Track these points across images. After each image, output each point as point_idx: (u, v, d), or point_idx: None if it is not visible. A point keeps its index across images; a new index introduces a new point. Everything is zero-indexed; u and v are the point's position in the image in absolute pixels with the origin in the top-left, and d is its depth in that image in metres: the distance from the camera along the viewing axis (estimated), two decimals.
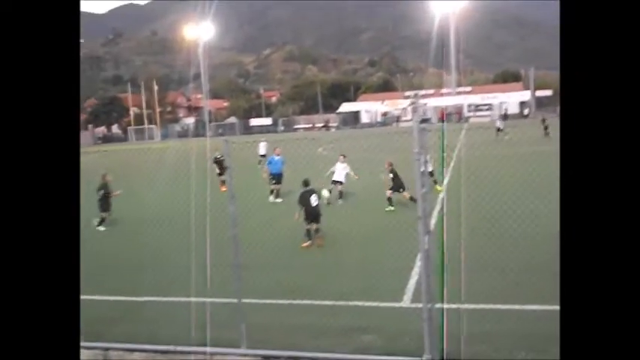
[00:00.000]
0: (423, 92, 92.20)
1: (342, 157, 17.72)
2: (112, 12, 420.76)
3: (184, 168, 18.29)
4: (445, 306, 6.42)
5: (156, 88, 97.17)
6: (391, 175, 15.36)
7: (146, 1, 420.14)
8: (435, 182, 15.93)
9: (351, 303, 8.16)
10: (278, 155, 19.19)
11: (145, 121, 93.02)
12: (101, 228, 15.56)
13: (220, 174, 19.36)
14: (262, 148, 29.16)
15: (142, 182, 20.99)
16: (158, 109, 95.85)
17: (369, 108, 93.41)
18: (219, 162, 20.33)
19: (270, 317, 7.93)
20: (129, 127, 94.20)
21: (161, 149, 37.35)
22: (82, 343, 7.34)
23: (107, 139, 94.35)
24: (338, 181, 17.41)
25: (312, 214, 12.08)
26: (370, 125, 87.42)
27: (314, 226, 12.13)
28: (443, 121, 66.17)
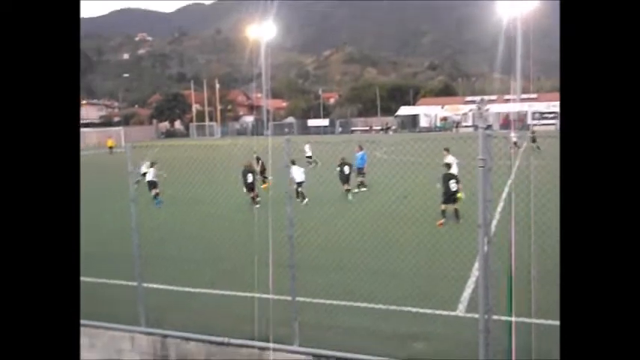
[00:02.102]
0: (486, 98, 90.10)
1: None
2: (179, 11, 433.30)
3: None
4: (513, 319, 6.24)
5: (217, 86, 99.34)
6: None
7: (211, 1, 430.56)
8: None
9: (405, 308, 8.10)
10: (360, 151, 21.51)
11: (206, 118, 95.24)
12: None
13: (261, 173, 20.79)
14: (308, 150, 30.97)
15: (203, 177, 21.47)
16: (219, 107, 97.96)
17: (428, 112, 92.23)
18: (257, 160, 21.84)
19: (323, 317, 7.96)
20: (191, 123, 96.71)
21: (221, 145, 38.08)
22: (142, 329, 7.64)
23: (170, 134, 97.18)
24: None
25: (448, 195, 14.08)
26: (428, 130, 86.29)
27: (450, 206, 14.18)
28: (506, 128, 64.44)
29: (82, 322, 8.03)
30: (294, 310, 6.83)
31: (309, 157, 29.57)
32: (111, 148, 55.45)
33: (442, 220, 13.94)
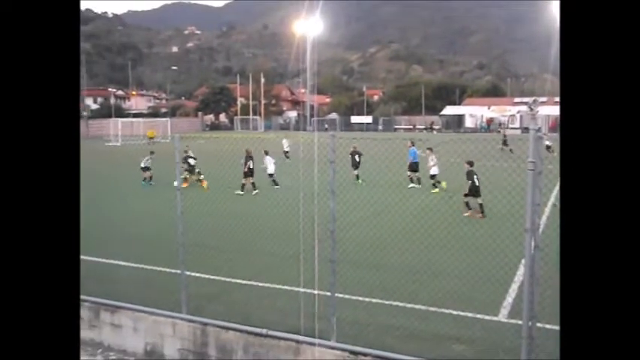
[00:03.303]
0: (537, 99, 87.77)
1: (428, 150, 21.11)
2: (228, 5, 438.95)
3: (294, 159, 19.20)
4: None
5: (263, 80, 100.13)
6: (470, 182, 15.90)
7: None
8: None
9: (445, 310, 8.00)
10: (412, 147, 22.50)
11: (251, 112, 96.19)
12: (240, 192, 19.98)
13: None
14: (285, 145, 33.93)
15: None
16: (263, 101, 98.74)
17: (473, 112, 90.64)
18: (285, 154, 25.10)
19: (361, 314, 7.95)
20: (235, 117, 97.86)
21: (266, 139, 38.49)
22: (183, 316, 7.80)
23: (214, 126, 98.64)
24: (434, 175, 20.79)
25: (474, 190, 15.54)
26: (474, 130, 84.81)
27: (478, 200, 15.54)
28: (555, 131, 62.74)
29: (127, 305, 8.28)
30: (332, 305, 6.84)
31: (286, 151, 32.87)
32: (151, 138, 56.70)
33: (469, 212, 15.72)
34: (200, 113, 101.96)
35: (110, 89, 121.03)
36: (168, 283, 9.14)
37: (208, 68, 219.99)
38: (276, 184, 21.64)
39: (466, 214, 15.72)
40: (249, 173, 20.61)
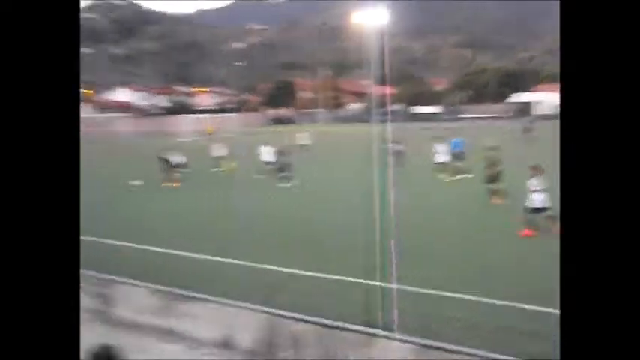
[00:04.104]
0: None
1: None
2: (291, 0, 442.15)
3: (365, 152, 19.36)
4: None
5: (326, 73, 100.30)
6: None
7: None
8: None
9: (517, 304, 7.83)
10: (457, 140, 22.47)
11: (314, 105, 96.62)
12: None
13: None
14: (304, 139, 34.24)
15: (319, 162, 21.99)
16: (327, 94, 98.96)
17: (543, 99, 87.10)
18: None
19: (430, 308, 7.90)
20: (298, 110, 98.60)
21: (330, 132, 38.77)
22: (254, 306, 8.02)
23: (279, 120, 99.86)
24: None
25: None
26: (544, 118, 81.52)
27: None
28: None
29: (200, 295, 8.60)
30: (397, 298, 6.86)
31: (303, 145, 32.51)
32: (210, 134, 57.90)
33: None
34: (264, 108, 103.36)
35: (178, 87, 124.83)
36: (234, 273, 9.41)
37: (272, 63, 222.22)
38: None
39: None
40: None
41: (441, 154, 21.46)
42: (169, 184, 22.58)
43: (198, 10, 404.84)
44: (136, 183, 21.98)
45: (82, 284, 9.97)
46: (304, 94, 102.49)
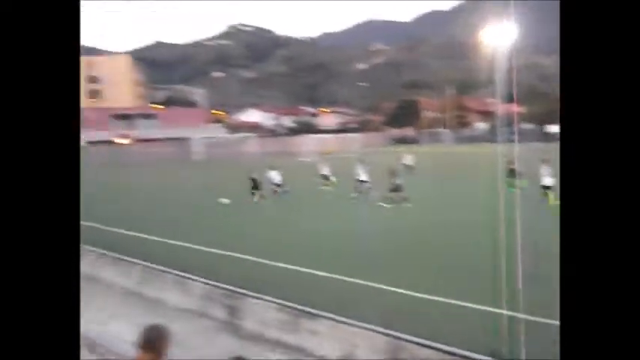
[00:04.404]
0: None
1: None
2: (418, 19, 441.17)
3: (491, 173, 18.74)
4: None
5: (451, 92, 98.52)
6: None
7: (450, 6, 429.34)
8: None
9: None
10: None
11: (438, 125, 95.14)
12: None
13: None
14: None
15: (447, 183, 21.55)
16: (452, 113, 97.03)
17: None
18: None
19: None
20: (422, 130, 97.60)
21: (456, 153, 37.94)
22: (378, 328, 7.89)
23: (401, 140, 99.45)
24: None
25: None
26: None
27: None
28: None
29: (324, 314, 8.64)
30: (524, 328, 6.40)
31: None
32: (328, 154, 58.67)
33: None
34: (387, 127, 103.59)
35: (304, 107, 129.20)
36: (359, 294, 9.34)
37: (395, 83, 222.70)
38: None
39: None
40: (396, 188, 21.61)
41: (547, 176, 20.13)
42: (255, 201, 23.80)
43: (323, 33, 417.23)
44: (224, 201, 22.91)
45: (213, 296, 10.51)
46: (428, 114, 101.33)
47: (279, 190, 25.61)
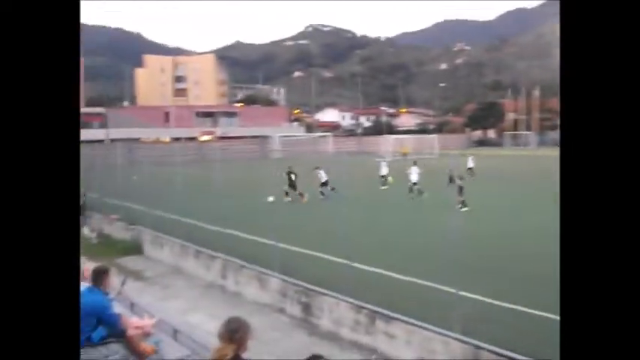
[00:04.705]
0: None
1: None
2: (500, 18, 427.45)
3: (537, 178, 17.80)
4: None
5: (536, 93, 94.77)
6: None
7: (534, 5, 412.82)
8: None
9: None
10: None
11: (522, 127, 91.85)
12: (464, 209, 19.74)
13: None
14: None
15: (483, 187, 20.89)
16: (537, 116, 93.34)
17: None
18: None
19: None
20: (504, 132, 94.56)
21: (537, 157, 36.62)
22: (456, 335, 7.70)
23: (482, 142, 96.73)
24: None
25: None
26: None
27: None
28: None
29: (400, 317, 8.55)
30: None
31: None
32: (405, 154, 58.03)
33: None
34: (467, 129, 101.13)
35: (382, 108, 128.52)
36: (438, 300, 9.16)
37: (477, 84, 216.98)
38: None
39: None
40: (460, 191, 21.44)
41: None
42: (289, 199, 23.82)
43: (402, 33, 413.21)
44: (270, 199, 22.79)
45: (289, 292, 10.67)
46: (511, 116, 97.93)
47: (324, 189, 24.96)
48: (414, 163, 25.71)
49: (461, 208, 19.90)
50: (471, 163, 35.03)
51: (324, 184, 25.08)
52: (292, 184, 24.78)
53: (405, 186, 25.12)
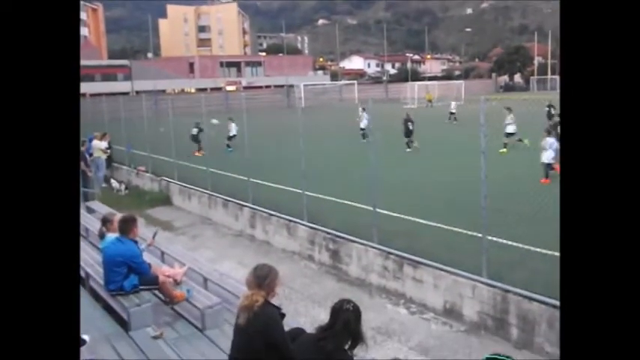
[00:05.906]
0: None
1: None
2: None
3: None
4: None
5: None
6: None
7: None
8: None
9: None
10: None
11: (549, 72, 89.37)
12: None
13: None
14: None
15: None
16: None
17: None
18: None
19: None
20: (531, 77, 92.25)
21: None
22: (484, 280, 7.72)
23: (508, 87, 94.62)
24: None
25: None
26: None
27: None
28: None
29: (429, 262, 8.59)
30: None
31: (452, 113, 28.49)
32: (429, 101, 57.33)
33: None
34: (494, 74, 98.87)
35: (407, 54, 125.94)
36: (467, 246, 9.16)
37: (503, 28, 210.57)
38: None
39: None
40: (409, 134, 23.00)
41: None
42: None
43: None
44: (214, 121, 21.69)
45: (317, 239, 10.78)
46: (538, 60, 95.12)
47: (228, 143, 24.47)
48: (363, 109, 25.80)
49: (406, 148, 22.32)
50: (453, 109, 36.98)
51: (229, 137, 24.90)
52: (196, 139, 23.80)
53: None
